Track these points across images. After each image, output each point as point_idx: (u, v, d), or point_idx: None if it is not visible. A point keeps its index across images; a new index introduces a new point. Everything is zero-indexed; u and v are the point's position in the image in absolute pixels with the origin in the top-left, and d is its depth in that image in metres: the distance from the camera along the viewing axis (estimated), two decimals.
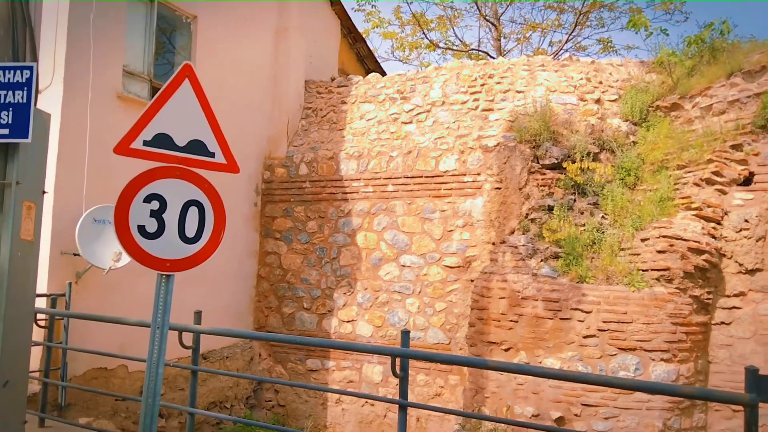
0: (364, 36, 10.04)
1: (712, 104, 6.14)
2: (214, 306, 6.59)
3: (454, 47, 12.89)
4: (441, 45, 12.71)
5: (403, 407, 3.38)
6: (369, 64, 10.18)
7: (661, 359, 5.37)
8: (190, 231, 2.90)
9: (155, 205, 2.81)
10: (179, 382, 6.20)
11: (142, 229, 2.76)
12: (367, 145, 7.56)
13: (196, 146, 2.97)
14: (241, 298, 7.54)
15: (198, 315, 3.94)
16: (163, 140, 2.84)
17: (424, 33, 12.39)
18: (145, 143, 2.79)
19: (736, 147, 5.77)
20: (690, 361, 5.48)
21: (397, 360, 3.39)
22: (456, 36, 13.35)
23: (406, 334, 3.38)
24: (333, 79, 8.41)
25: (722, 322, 5.57)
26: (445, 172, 6.98)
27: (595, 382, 3.39)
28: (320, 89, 8.27)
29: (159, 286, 2.84)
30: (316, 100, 8.28)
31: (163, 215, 2.83)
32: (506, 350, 5.83)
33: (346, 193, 7.47)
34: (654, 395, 5.25)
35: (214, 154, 3.02)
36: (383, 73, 9.13)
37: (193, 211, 2.91)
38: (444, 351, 6.62)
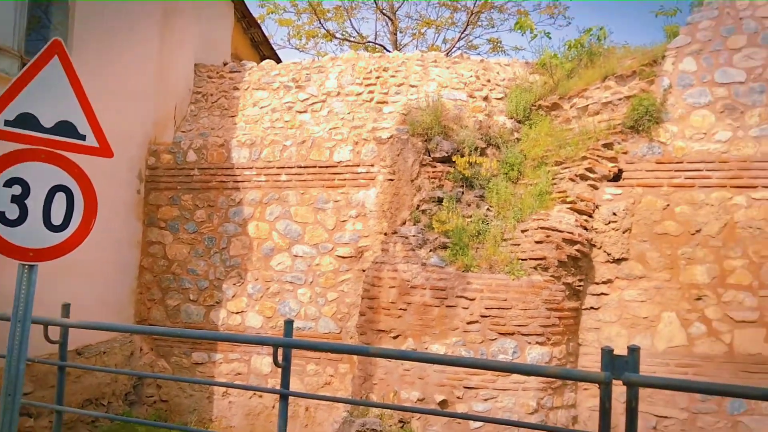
0: (259, 21, 10.18)
1: (588, 105, 6.92)
2: (89, 299, 6.45)
3: (351, 39, 13.35)
4: (338, 35, 13.16)
5: (285, 397, 3.48)
6: (264, 50, 10.31)
7: (537, 342, 6.00)
8: (57, 218, 2.86)
9: (17, 190, 2.76)
10: (50, 379, 6.08)
11: (1, 216, 2.72)
12: (260, 133, 7.71)
13: (65, 128, 2.94)
14: (121, 290, 7.41)
15: (66, 308, 3.86)
16: (27, 120, 2.79)
17: (320, 22, 12.76)
18: (7, 123, 2.74)
19: (608, 145, 6.54)
20: (562, 343, 6.16)
21: (281, 350, 3.47)
22: (353, 27, 13.82)
23: (289, 323, 3.49)
24: (225, 64, 8.48)
25: (591, 308, 6.31)
26: (339, 162, 7.28)
27: (469, 365, 3.78)
28: (211, 74, 8.32)
29: (20, 277, 2.80)
30: (206, 84, 8.30)
31: (25, 201, 2.78)
32: (395, 338, 6.24)
33: (238, 181, 7.56)
34: (529, 377, 5.90)
35: (84, 136, 3.01)
36: (278, 61, 9.31)
37: (60, 197, 2.87)
38: (335, 340, 6.94)
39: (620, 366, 2.69)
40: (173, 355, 7.50)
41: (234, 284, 7.46)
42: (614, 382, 2.68)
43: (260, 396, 6.93)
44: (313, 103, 7.78)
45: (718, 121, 6.19)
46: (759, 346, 5.75)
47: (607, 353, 2.74)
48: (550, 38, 7.21)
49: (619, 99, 6.67)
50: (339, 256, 7.17)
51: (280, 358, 3.45)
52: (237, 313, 7.41)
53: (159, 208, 7.88)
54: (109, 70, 6.99)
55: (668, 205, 6.19)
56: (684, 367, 5.87)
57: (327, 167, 7.34)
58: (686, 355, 5.91)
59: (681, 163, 6.25)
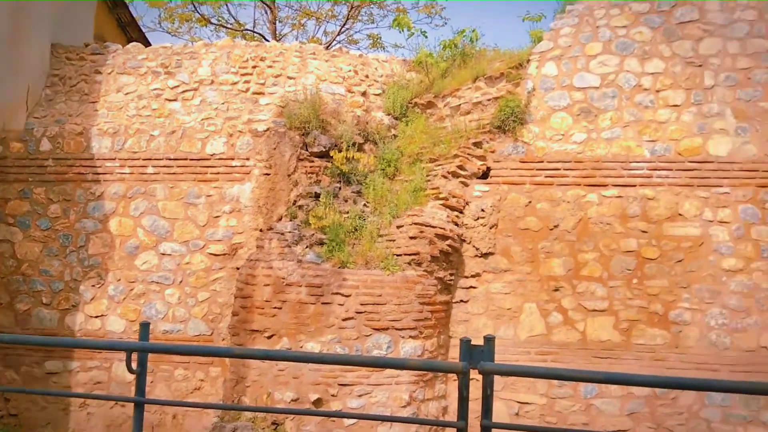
0: (126, 1, 9.60)
1: (460, 104, 7.27)
2: None
3: (228, 25, 12.98)
4: (213, 21, 12.73)
5: (140, 405, 3.38)
6: (132, 32, 9.74)
7: (410, 336, 6.25)
8: None
9: None
10: None
11: None
12: (124, 121, 7.29)
13: None
14: None
15: None
16: None
17: (194, 6, 12.27)
18: None
19: (477, 144, 6.92)
20: (434, 336, 6.47)
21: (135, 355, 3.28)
22: (230, 14, 13.40)
23: (145, 326, 3.40)
24: (87, 45, 7.90)
25: (461, 301, 6.67)
26: (212, 155, 7.08)
27: (326, 361, 3.85)
28: (71, 55, 7.71)
29: None
30: (65, 67, 7.68)
31: None
32: (269, 337, 6.22)
33: (98, 173, 7.10)
34: (402, 371, 6.14)
35: None
36: (147, 44, 8.87)
37: None
38: (206, 343, 6.77)
39: (477, 356, 2.80)
40: (23, 365, 6.94)
41: (93, 286, 7.03)
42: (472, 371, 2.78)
43: (123, 405, 6.62)
44: (185, 91, 7.49)
45: (575, 124, 6.76)
46: (608, 332, 6.39)
47: (464, 344, 2.85)
48: (426, 37, 7.48)
49: (489, 99, 7.06)
50: (211, 254, 7.00)
51: (134, 364, 3.36)
52: (96, 317, 6.99)
53: (7, 202, 7.24)
54: None
55: (530, 201, 6.67)
56: (543, 354, 6.39)
57: (199, 160, 7.12)
58: (545, 343, 6.44)
59: (542, 162, 6.75)
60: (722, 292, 6.29)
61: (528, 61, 7.02)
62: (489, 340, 2.84)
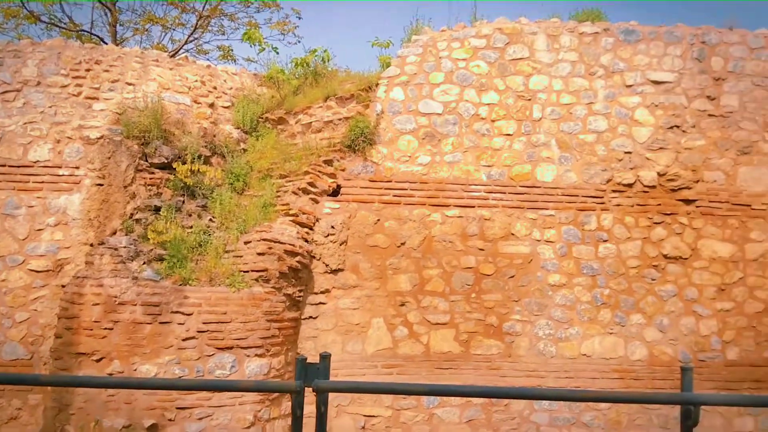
0: None
1: (311, 122, 7.39)
2: None
3: (62, 24, 12.09)
4: (44, 19, 11.78)
5: None
6: None
7: (256, 355, 6.11)
8: None
9: None
10: None
11: None
12: None
13: None
14: None
15: None
16: None
17: (22, 2, 11.24)
18: None
19: (328, 162, 7.07)
20: (281, 354, 6.39)
21: None
22: (64, 12, 12.48)
23: None
24: None
25: (310, 317, 6.68)
26: (35, 162, 6.50)
27: (150, 386, 3.65)
28: None
29: None
30: None
31: None
32: (98, 361, 5.74)
33: None
34: (261, 392, 5.96)
35: None
36: None
37: None
38: (24, 368, 6.10)
39: (312, 374, 2.84)
40: None
41: None
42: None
43: None
44: (5, 92, 6.80)
45: (420, 147, 7.16)
46: (449, 344, 6.74)
47: (299, 362, 2.88)
48: (278, 53, 7.57)
49: (339, 119, 7.27)
50: (32, 270, 6.37)
51: None
52: None
53: None
54: None
55: (379, 219, 6.91)
56: (390, 367, 6.58)
57: (19, 167, 6.49)
58: (391, 356, 6.63)
59: (390, 182, 7.05)
60: (548, 305, 6.93)
61: (377, 84, 7.34)
62: (324, 357, 2.89)
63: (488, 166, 7.20)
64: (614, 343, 6.90)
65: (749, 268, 7.17)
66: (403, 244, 6.89)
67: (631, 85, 7.40)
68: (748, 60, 7.51)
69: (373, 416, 6.42)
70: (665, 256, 7.11)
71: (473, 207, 7.08)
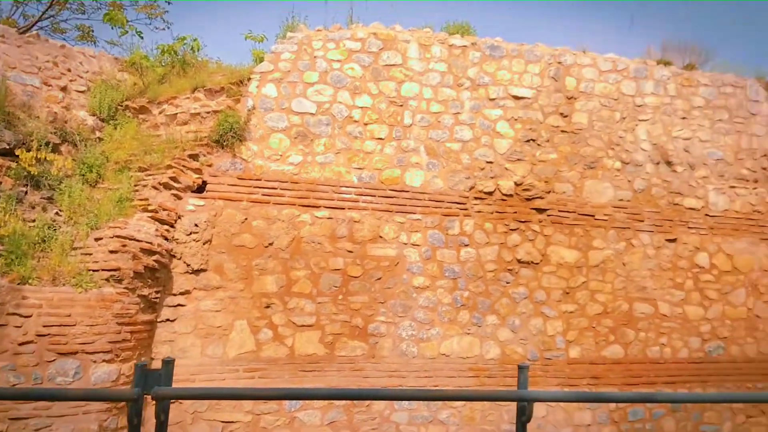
0: None
1: (177, 114, 7.04)
2: None
3: None
4: None
5: None
6: None
7: (104, 360, 5.70)
8: None
9: None
10: None
11: None
12: None
13: None
14: None
15: None
16: None
17: None
18: None
19: (194, 157, 6.77)
20: (133, 359, 6.01)
21: None
22: None
23: None
24: None
25: (167, 320, 6.36)
26: None
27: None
28: None
29: None
30: None
31: None
32: None
33: None
34: (95, 401, 5.55)
35: None
36: None
37: None
38: None
39: (152, 381, 2.78)
40: None
41: None
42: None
43: None
44: None
45: (292, 146, 7.09)
46: (314, 346, 6.73)
47: (138, 368, 2.82)
48: (142, 38, 7.12)
49: (208, 112, 7.00)
50: None
51: None
52: None
53: None
54: None
55: (246, 218, 6.74)
56: (252, 371, 6.44)
57: None
58: (254, 360, 6.49)
59: (260, 180, 6.91)
60: (412, 306, 7.15)
61: (249, 79, 7.17)
62: (167, 363, 2.84)
63: (359, 168, 7.28)
64: (471, 343, 7.26)
65: (591, 273, 7.87)
66: (270, 244, 6.78)
67: (494, 99, 7.84)
68: (597, 81, 8.25)
69: (232, 422, 6.26)
70: (519, 261, 7.61)
71: (343, 209, 7.13)
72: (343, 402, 6.54)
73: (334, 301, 6.83)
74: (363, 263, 7.03)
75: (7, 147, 6.02)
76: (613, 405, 7.57)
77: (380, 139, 7.43)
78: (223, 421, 6.22)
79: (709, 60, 9.67)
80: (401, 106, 7.58)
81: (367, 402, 6.62)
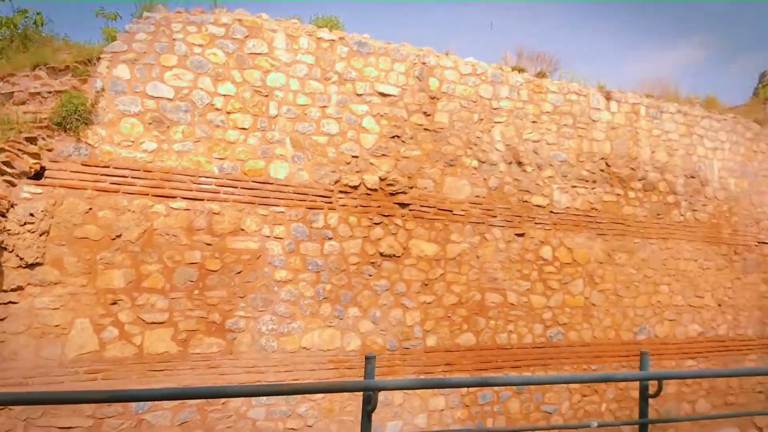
0: None
1: (14, 92, 6.35)
2: None
3: None
4: None
5: None
6: None
7: None
8: None
9: None
10: None
11: None
12: None
13: None
14: None
15: None
16: None
17: None
18: None
19: (32, 140, 6.15)
20: None
21: None
22: None
23: None
24: None
25: None
26: None
27: None
28: None
29: None
30: None
31: None
32: None
33: None
34: None
35: None
36: None
37: None
38: None
39: None
40: None
41: None
42: None
43: None
44: None
45: (146, 132, 6.68)
46: (166, 344, 6.43)
47: None
48: None
49: (50, 92, 6.40)
50: None
51: None
52: None
53: None
54: None
55: (91, 208, 6.27)
56: (94, 373, 6.02)
57: None
58: (97, 360, 6.07)
59: (108, 167, 6.45)
60: (274, 300, 7.06)
61: (99, 59, 6.66)
62: None
63: (221, 158, 7.05)
64: (332, 336, 7.33)
65: (448, 265, 8.26)
66: (119, 236, 6.36)
67: (361, 94, 7.93)
68: (458, 84, 8.63)
69: (71, 428, 5.81)
70: (381, 254, 7.80)
71: (202, 200, 6.87)
72: (197, 401, 6.32)
73: (190, 297, 6.57)
74: (222, 257, 6.83)
75: None
76: (464, 390, 8.01)
77: (244, 129, 7.24)
78: (60, 428, 5.76)
79: (558, 69, 10.55)
80: (267, 96, 7.44)
81: (223, 400, 6.46)
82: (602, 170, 9.89)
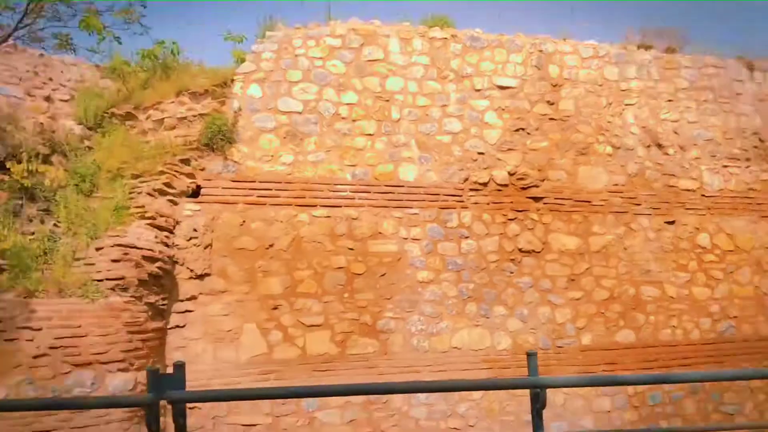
0: None
1: (163, 118, 8.29)
2: None
3: None
4: None
5: None
6: None
7: (118, 369, 6.70)
8: None
9: None
10: None
11: None
12: None
13: None
14: None
15: None
16: None
17: None
18: None
19: (185, 161, 8.00)
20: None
21: None
22: None
23: None
24: None
25: (177, 326, 7.42)
26: None
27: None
28: None
29: None
30: None
31: None
32: None
33: None
34: (111, 408, 6.60)
35: None
36: None
37: None
38: None
39: (166, 385, 3.16)
40: None
41: None
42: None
43: None
44: None
45: (283, 146, 8.42)
46: (326, 346, 7.96)
47: (151, 374, 3.17)
48: (120, 43, 8.30)
49: (194, 116, 8.25)
50: None
51: None
52: None
53: None
54: None
55: (244, 221, 7.98)
56: (265, 373, 7.60)
57: None
58: (267, 362, 7.67)
59: (254, 182, 8.16)
60: (419, 301, 8.49)
61: (233, 80, 8.47)
62: (179, 367, 3.18)
63: (352, 165, 8.66)
64: (481, 335, 8.65)
65: (594, 259, 9.42)
66: (271, 245, 8.02)
67: (479, 90, 9.42)
68: (580, 68, 9.98)
69: (253, 425, 7.39)
70: (520, 250, 9.11)
71: (340, 206, 8.43)
72: (361, 400, 7.76)
73: (341, 300, 8.10)
74: (365, 260, 8.35)
75: None
76: (631, 390, 9.03)
77: (370, 134, 8.84)
78: (243, 425, 7.34)
79: (688, 43, 11.55)
80: (387, 101, 9.03)
81: (385, 398, 7.87)
82: (755, 147, 10.68)
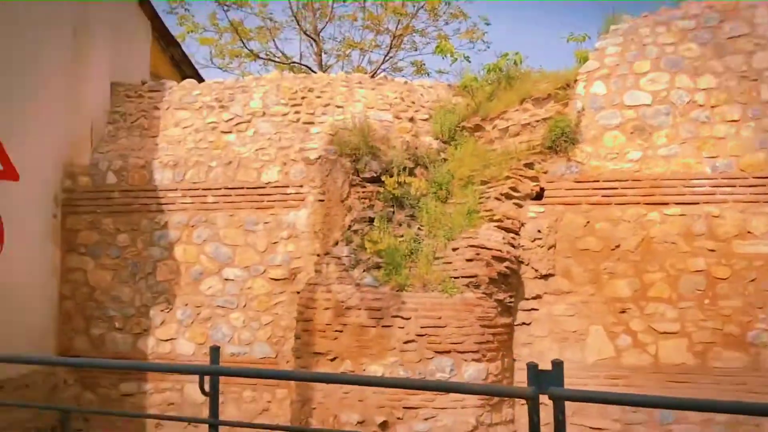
0: (179, 40, 10.57)
1: (508, 126, 7.78)
2: (7, 329, 6.60)
3: (276, 59, 14.14)
4: (262, 56, 13.90)
5: (214, 427, 3.70)
6: (186, 69, 10.94)
7: (473, 359, 6.58)
8: None
9: None
10: None
11: None
12: (183, 153, 8.36)
13: None
14: (41, 319, 7.62)
15: None
16: None
17: (243, 42, 13.35)
18: None
19: (529, 165, 7.41)
20: (497, 359, 6.74)
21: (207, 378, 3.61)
22: (277, 48, 14.85)
23: (215, 350, 3.71)
24: (144, 83, 8.92)
25: (523, 323, 7.06)
26: (267, 183, 7.98)
27: (397, 385, 3.94)
28: (130, 93, 8.86)
29: None
30: (125, 104, 8.92)
31: None
32: (332, 360, 6.68)
33: (162, 204, 8.06)
34: (466, 395, 6.28)
35: None
36: (201, 80, 9.91)
37: None
38: (271, 365, 7.44)
39: (545, 380, 2.90)
40: (100, 387, 7.74)
41: (162, 311, 7.85)
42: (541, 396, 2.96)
43: (195, 426, 7.18)
44: (238, 123, 8.44)
45: (629, 141, 7.21)
46: (682, 356, 6.65)
47: (532, 368, 2.97)
48: (470, 62, 8.17)
49: (537, 121, 7.56)
50: (272, 279, 7.79)
51: (207, 386, 3.65)
52: (166, 340, 7.79)
53: (78, 232, 8.21)
54: (13, 92, 7.21)
55: (588, 222, 7.10)
56: (613, 378, 6.68)
57: (255, 188, 8.03)
58: (615, 366, 6.69)
59: (597, 181, 7.27)
60: None
61: (575, 81, 7.66)
62: (557, 364, 2.95)
63: (712, 157, 7.02)
64: None
65: None
66: (617, 246, 6.99)
67: None
68: None
69: (600, 429, 6.50)
70: None
71: (697, 203, 7.00)
72: (725, 419, 6.23)
73: (700, 306, 6.73)
74: (730, 263, 6.75)
75: (375, 175, 7.57)
76: None
77: (733, 121, 7.05)
78: (590, 427, 6.54)
79: None
80: (755, 80, 7.03)
81: (756, 420, 6.04)
82: None
